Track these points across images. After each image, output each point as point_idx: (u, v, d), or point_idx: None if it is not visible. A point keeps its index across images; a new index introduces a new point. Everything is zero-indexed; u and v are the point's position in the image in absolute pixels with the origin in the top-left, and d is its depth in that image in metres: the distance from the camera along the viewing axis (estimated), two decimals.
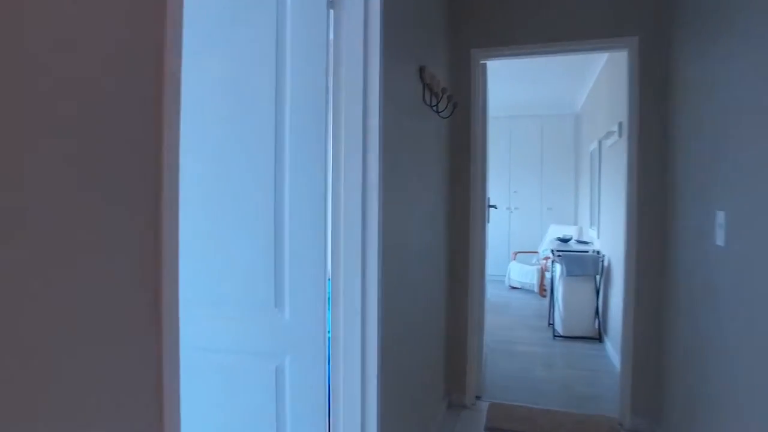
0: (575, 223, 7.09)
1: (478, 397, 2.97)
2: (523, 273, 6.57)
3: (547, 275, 6.22)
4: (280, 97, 1.44)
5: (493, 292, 6.19)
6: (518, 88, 6.04)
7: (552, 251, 4.71)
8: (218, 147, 1.47)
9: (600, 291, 4.29)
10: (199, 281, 1.50)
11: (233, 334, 1.49)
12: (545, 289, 6.27)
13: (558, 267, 4.43)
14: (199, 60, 1.47)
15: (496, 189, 7.26)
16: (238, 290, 1.48)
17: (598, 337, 4.20)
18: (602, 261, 4.21)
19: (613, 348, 3.70)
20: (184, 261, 1.51)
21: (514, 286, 6.68)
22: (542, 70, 5.17)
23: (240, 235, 1.47)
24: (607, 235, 4.27)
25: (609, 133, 3.90)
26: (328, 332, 1.50)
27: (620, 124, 3.51)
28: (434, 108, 2.17)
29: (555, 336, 4.33)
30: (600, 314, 4.27)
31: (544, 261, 6.35)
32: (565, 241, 5.23)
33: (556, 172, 7.34)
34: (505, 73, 5.18)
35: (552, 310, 4.66)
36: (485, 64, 2.93)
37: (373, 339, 1.52)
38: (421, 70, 1.96)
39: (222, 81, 1.46)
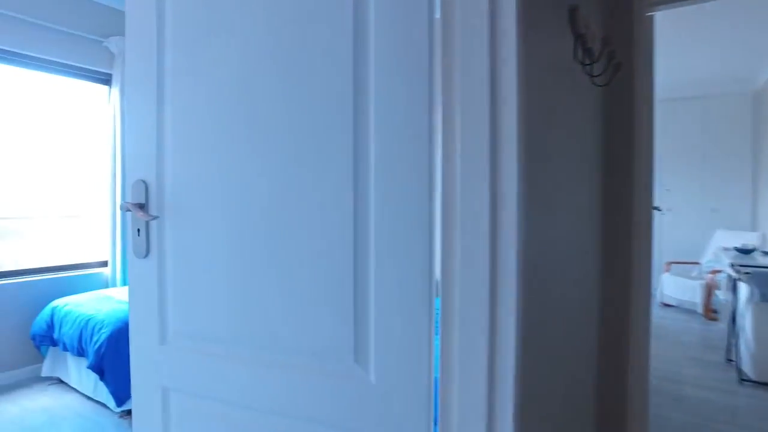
0: (754, 229, 5.65)
1: None
2: (680, 288, 5.38)
3: (718, 294, 5.00)
4: (360, 51, 0.97)
5: None
6: (674, 62, 4.92)
7: (732, 265, 3.64)
8: (265, 139, 1.04)
9: None
10: (243, 315, 1.08)
11: (291, 392, 1.04)
12: (714, 311, 5.04)
13: (744, 287, 3.37)
14: (233, 16, 1.06)
15: None
16: (300, 332, 1.03)
17: None
18: None
19: None
20: (221, 288, 1.10)
21: (668, 303, 5.50)
22: (715, 33, 4.08)
23: (304, 256, 1.02)
24: None
25: None
26: (435, 387, 0.98)
27: None
28: (587, 69, 1.54)
29: (742, 379, 3.29)
30: None
31: (711, 275, 5.12)
32: (746, 252, 4.06)
33: (724, 165, 5.95)
34: (658, 42, 4.18)
35: (734, 342, 3.59)
36: (652, 16, 2.18)
37: (508, 400, 0.97)
38: (573, 12, 1.35)
39: (267, 41, 1.03)
